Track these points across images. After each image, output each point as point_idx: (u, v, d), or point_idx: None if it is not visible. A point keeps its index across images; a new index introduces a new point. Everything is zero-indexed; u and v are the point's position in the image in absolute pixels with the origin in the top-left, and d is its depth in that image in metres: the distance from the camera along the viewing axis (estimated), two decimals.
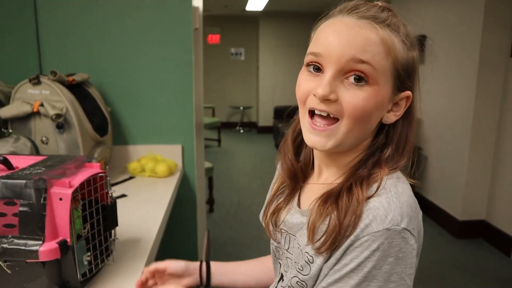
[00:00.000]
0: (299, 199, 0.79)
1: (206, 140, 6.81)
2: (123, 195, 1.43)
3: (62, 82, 1.42)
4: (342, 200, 0.63)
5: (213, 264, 0.94)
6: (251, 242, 3.18)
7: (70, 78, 1.46)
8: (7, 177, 0.76)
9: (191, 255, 2.01)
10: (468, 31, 3.02)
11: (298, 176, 0.79)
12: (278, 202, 0.80)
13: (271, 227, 0.81)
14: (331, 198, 0.65)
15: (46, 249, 0.73)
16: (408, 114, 0.69)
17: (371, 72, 0.61)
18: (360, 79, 0.61)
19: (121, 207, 0.95)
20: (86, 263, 0.81)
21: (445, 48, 3.36)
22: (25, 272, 0.76)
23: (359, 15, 0.63)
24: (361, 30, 0.61)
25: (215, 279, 0.94)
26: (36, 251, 0.73)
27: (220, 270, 0.95)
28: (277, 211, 0.79)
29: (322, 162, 0.75)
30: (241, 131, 8.77)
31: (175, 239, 1.96)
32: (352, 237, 0.60)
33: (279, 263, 0.83)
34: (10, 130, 1.23)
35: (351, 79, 0.62)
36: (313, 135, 0.66)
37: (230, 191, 4.54)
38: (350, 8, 0.65)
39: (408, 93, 0.67)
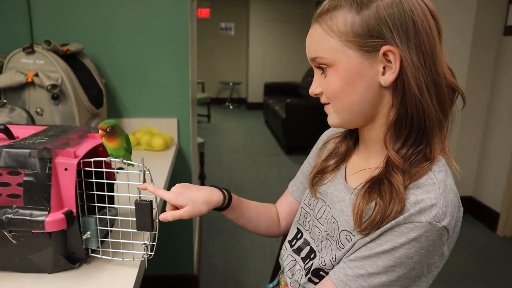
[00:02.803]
0: (345, 174, 0.80)
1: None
2: (120, 168, 1.41)
3: (56, 52, 1.38)
4: (384, 189, 0.65)
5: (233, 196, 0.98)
6: None
7: (65, 48, 1.42)
8: (9, 146, 0.74)
9: (186, 229, 2.01)
10: (462, 9, 3.00)
11: (353, 136, 0.81)
12: (327, 165, 0.83)
13: (312, 188, 0.84)
14: (375, 186, 0.67)
15: (52, 219, 0.72)
16: (404, 70, 0.63)
17: (324, 60, 0.69)
18: (324, 69, 0.70)
19: (120, 180, 0.94)
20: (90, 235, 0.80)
21: None
22: (30, 243, 0.75)
23: (313, 20, 0.71)
24: (310, 34, 0.71)
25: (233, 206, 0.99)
26: (42, 222, 0.71)
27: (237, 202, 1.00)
28: (322, 173, 0.82)
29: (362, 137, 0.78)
30: (231, 107, 8.72)
31: None
32: (393, 222, 0.63)
33: (300, 228, 0.87)
34: (5, 100, 1.20)
35: (321, 72, 0.72)
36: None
37: (221, 167, 4.53)
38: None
39: (385, 47, 0.63)
